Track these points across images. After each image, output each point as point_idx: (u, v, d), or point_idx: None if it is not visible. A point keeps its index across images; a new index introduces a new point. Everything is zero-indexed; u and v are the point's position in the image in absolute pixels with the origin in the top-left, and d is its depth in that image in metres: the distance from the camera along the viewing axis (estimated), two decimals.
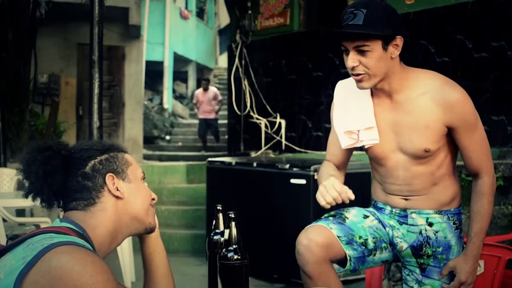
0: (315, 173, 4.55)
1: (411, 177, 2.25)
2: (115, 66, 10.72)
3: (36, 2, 7.84)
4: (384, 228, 2.36)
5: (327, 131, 7.14)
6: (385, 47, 2.08)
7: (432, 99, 2.15)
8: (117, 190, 1.57)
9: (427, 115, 2.15)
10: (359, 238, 2.29)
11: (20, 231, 4.47)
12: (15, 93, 7.45)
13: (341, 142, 2.35)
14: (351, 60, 2.10)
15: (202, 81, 12.59)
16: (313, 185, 4.54)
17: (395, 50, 2.11)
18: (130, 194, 1.59)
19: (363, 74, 2.11)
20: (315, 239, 2.22)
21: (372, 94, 2.27)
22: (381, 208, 2.39)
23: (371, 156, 2.34)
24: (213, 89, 12.30)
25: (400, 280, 4.14)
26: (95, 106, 4.17)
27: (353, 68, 2.11)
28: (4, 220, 4.19)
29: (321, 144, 6.60)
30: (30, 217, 5.55)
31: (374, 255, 2.32)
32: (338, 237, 2.24)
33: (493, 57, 5.16)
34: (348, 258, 2.25)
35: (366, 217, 2.37)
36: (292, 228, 4.71)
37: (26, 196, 1.57)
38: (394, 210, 2.34)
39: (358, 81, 2.15)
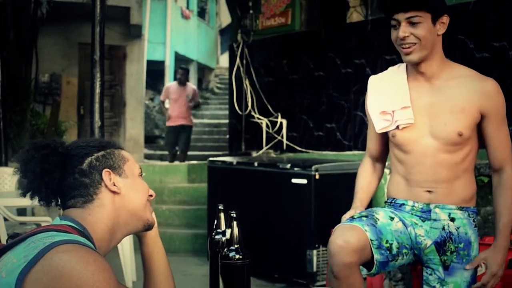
0: (316, 173, 4.55)
1: (438, 165, 2.29)
2: (116, 66, 10.72)
3: (37, 2, 7.85)
4: (406, 228, 2.36)
5: (328, 131, 7.15)
6: (433, 22, 2.23)
7: (470, 85, 2.26)
8: (114, 185, 1.57)
9: (464, 99, 2.24)
10: (386, 242, 2.29)
11: (21, 230, 4.47)
12: (17, 92, 7.46)
13: (375, 125, 2.42)
14: (403, 31, 2.21)
15: (179, 71, 9.49)
16: (314, 185, 4.54)
17: (441, 27, 2.26)
18: (127, 189, 1.60)
19: (413, 44, 2.22)
20: (352, 242, 2.20)
21: (408, 79, 2.35)
22: (401, 205, 2.39)
23: (398, 143, 2.36)
24: (191, 86, 9.66)
25: (401, 280, 4.14)
26: (97, 106, 4.18)
27: (403, 38, 2.22)
28: (5, 219, 4.20)
29: (322, 144, 6.59)
30: (31, 216, 5.56)
31: (396, 260, 2.33)
32: (371, 240, 2.24)
33: (494, 57, 5.16)
34: (375, 262, 2.26)
35: (392, 219, 2.37)
36: (293, 228, 4.73)
37: (23, 195, 1.57)
38: (416, 205, 2.35)
39: (407, 54, 2.24)
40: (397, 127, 2.35)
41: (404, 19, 2.21)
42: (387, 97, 2.38)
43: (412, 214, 2.36)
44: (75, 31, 9.69)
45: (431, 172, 2.31)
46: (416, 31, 2.21)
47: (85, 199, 1.55)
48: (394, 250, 2.30)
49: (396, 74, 2.41)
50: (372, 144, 2.54)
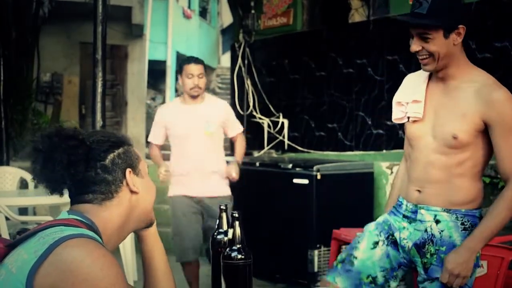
0: (318, 173, 4.55)
1: (430, 164, 2.30)
2: (118, 65, 10.72)
3: (39, 1, 7.85)
4: (394, 244, 2.42)
5: (330, 131, 7.12)
6: (446, 36, 2.21)
7: (476, 92, 2.23)
8: (133, 185, 1.57)
9: (467, 104, 2.23)
10: (367, 278, 2.38)
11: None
12: (18, 91, 7.46)
13: (392, 115, 2.48)
14: (415, 45, 2.26)
15: (181, 78, 4.23)
16: (315, 185, 4.54)
17: (457, 37, 2.24)
18: (143, 189, 1.61)
19: (426, 57, 2.25)
20: None
21: (430, 76, 2.39)
22: (400, 205, 2.43)
23: (408, 137, 2.42)
24: (217, 102, 4.50)
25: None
26: (98, 105, 4.17)
27: (416, 52, 2.26)
28: (7, 219, 4.20)
29: (323, 144, 6.59)
30: (33, 215, 5.56)
31: (389, 285, 2.42)
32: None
33: (496, 57, 5.15)
34: None
35: (375, 245, 2.42)
36: (295, 228, 4.72)
37: (41, 183, 1.52)
38: (408, 205, 2.38)
39: (424, 64, 2.29)
40: (408, 119, 2.39)
41: (415, 34, 2.24)
42: (406, 90, 2.44)
43: (403, 217, 2.39)
44: (77, 31, 9.69)
45: (423, 171, 2.33)
46: (428, 46, 2.23)
47: (104, 196, 1.53)
48: (380, 280, 2.39)
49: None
50: (406, 144, 2.54)
